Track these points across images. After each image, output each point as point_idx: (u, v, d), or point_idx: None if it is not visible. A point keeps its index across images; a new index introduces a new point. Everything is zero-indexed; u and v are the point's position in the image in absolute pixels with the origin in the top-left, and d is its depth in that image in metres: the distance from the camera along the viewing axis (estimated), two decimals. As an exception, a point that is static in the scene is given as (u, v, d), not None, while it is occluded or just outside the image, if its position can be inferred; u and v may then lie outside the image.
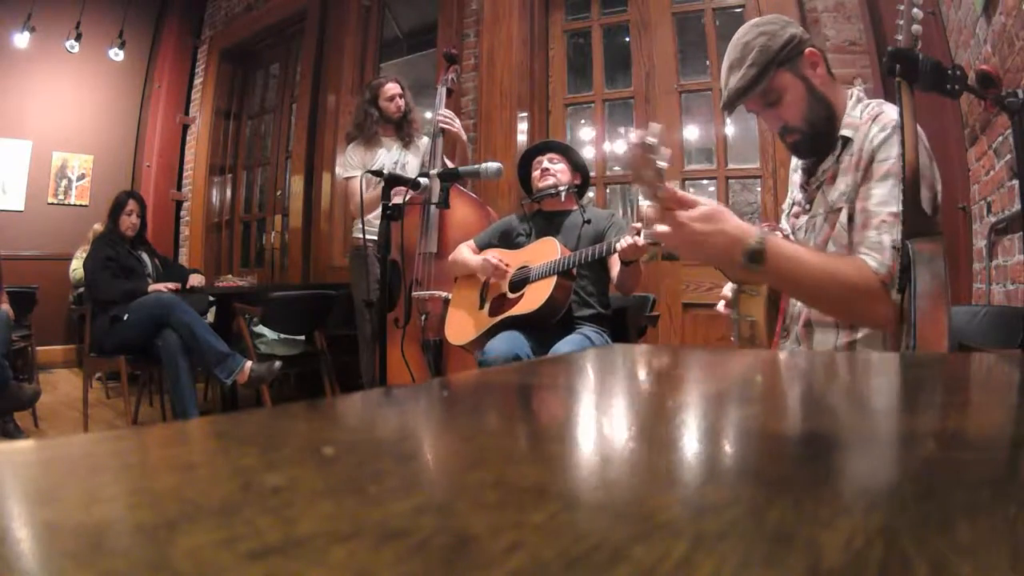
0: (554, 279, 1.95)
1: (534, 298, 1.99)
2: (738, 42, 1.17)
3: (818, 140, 1.18)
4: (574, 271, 2.00)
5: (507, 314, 2.04)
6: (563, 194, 2.17)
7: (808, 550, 0.17)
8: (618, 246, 1.79)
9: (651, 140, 0.93)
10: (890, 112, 1.09)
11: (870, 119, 1.12)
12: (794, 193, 1.33)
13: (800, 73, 1.15)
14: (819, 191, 1.20)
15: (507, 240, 2.25)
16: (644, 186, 0.95)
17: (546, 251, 2.05)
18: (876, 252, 1.05)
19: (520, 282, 2.07)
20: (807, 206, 1.24)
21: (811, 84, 1.16)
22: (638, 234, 1.74)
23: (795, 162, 1.34)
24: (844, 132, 1.15)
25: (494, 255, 2.13)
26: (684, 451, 0.32)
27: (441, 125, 2.69)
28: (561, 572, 0.16)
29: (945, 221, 1.16)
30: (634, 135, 0.93)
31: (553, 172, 2.20)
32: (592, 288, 2.09)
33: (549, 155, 2.25)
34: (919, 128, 1.07)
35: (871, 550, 0.17)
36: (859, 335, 1.13)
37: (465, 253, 2.27)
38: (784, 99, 1.15)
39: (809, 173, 1.25)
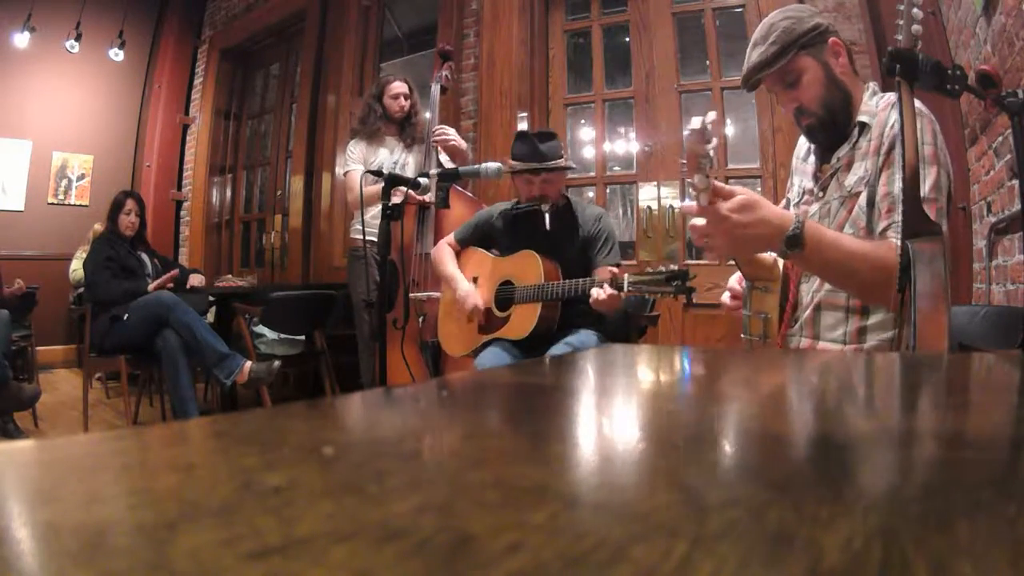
0: (539, 306, 1.93)
1: (522, 323, 1.97)
2: (765, 23, 1.20)
3: (832, 126, 1.19)
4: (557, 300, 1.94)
5: (497, 335, 2.04)
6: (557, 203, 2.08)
7: (808, 550, 0.17)
8: (591, 299, 1.75)
9: (708, 124, 0.93)
10: None
11: (888, 106, 1.14)
12: (803, 182, 1.33)
13: (821, 59, 1.17)
14: (833, 178, 1.21)
15: (489, 236, 2.19)
16: (698, 176, 0.94)
17: (529, 269, 1.99)
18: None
19: (506, 300, 2.05)
20: (820, 193, 1.25)
21: (831, 71, 1.17)
22: (611, 282, 1.69)
23: (802, 151, 1.34)
24: (861, 118, 1.17)
25: (478, 297, 2.07)
26: (684, 451, 0.32)
27: (436, 140, 2.66)
28: (561, 572, 0.16)
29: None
30: (695, 120, 0.93)
31: (550, 188, 2.05)
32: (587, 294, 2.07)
33: (545, 176, 2.05)
34: (932, 116, 1.09)
35: (871, 550, 0.17)
36: (870, 320, 1.14)
37: (449, 264, 2.20)
38: (802, 81, 1.17)
39: (822, 160, 1.26)
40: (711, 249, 1.01)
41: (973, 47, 1.97)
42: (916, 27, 1.00)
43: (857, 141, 1.17)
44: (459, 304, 2.12)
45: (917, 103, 1.08)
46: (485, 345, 2.05)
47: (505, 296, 2.05)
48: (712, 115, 0.95)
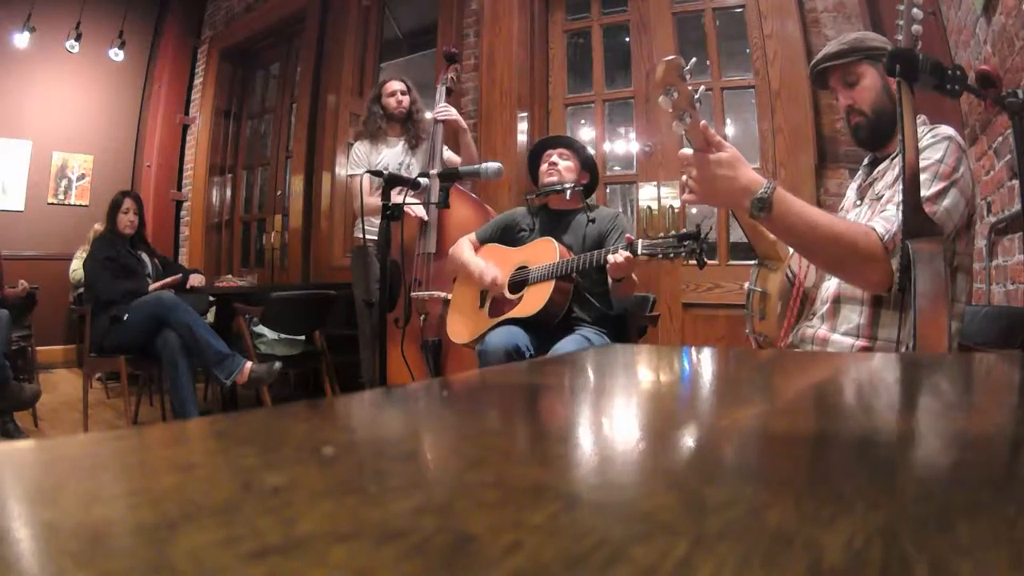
0: (552, 283, 1.94)
1: (533, 301, 1.99)
2: (846, 34, 1.35)
3: (878, 131, 1.29)
4: (573, 275, 1.99)
5: (506, 316, 2.04)
6: (568, 192, 2.14)
7: (808, 550, 0.17)
8: (608, 260, 1.76)
9: (684, 64, 1.02)
10: (945, 128, 1.21)
11: (926, 128, 1.23)
12: (850, 194, 1.43)
13: (883, 72, 1.26)
14: (870, 188, 1.31)
15: (509, 235, 2.24)
16: (671, 105, 1.03)
17: (544, 252, 2.04)
18: (886, 222, 1.11)
19: (519, 283, 2.07)
20: (858, 201, 1.34)
21: (888, 86, 1.27)
22: (629, 246, 1.71)
23: (857, 177, 1.44)
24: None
25: (495, 271, 2.12)
26: (684, 451, 0.32)
27: (439, 118, 2.72)
28: (561, 572, 0.16)
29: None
30: (669, 60, 1.04)
31: (560, 168, 2.18)
32: (596, 288, 2.08)
33: (560, 150, 2.23)
34: (960, 142, 1.17)
35: (871, 550, 0.17)
36: (882, 315, 1.18)
37: (466, 252, 2.25)
38: (861, 83, 1.28)
39: (867, 175, 1.36)
40: (689, 191, 1.11)
41: (973, 47, 1.97)
42: (916, 27, 1.00)
43: (895, 158, 1.25)
44: (477, 281, 2.14)
45: (950, 130, 1.20)
46: (492, 329, 2.05)
47: (519, 279, 2.07)
48: (692, 62, 1.06)
